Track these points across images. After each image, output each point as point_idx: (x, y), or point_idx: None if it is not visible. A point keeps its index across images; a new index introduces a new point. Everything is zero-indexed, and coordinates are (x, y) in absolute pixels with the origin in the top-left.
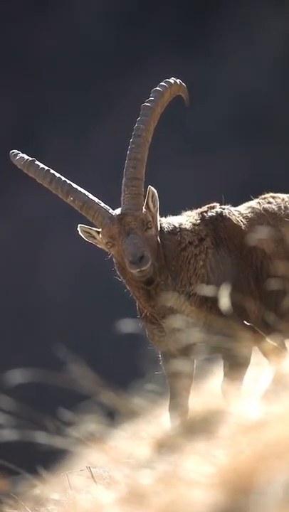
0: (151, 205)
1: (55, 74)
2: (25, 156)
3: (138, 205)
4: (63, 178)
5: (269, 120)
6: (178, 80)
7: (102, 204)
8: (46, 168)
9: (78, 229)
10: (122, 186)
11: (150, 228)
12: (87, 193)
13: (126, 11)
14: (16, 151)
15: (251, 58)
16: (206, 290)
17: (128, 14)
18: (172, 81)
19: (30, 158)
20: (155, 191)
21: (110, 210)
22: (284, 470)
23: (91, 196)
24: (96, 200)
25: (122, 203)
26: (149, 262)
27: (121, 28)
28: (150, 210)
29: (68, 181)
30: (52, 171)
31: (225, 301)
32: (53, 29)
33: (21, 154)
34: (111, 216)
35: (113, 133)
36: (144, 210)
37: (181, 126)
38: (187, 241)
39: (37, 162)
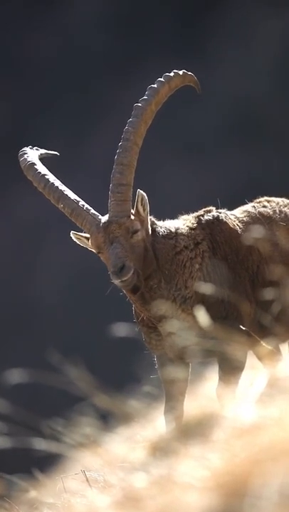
0: (140, 209)
1: (53, 75)
2: (28, 158)
3: (124, 211)
4: (57, 184)
5: (268, 122)
6: (181, 71)
7: (92, 211)
8: (43, 172)
9: (71, 235)
10: (109, 192)
11: (136, 234)
12: (78, 199)
13: (124, 12)
14: (25, 149)
15: (249, 59)
16: (203, 289)
17: (126, 16)
18: (172, 74)
19: (31, 161)
20: (144, 195)
21: (99, 217)
22: (279, 473)
23: (81, 203)
24: (86, 206)
25: (108, 209)
26: (130, 272)
27: (119, 30)
28: (140, 214)
29: (61, 187)
30: (48, 176)
31: (204, 320)
32: (50, 31)
33: (26, 156)
34: (97, 224)
35: (111, 134)
36: (132, 216)
37: (178, 128)
38: (182, 245)
39: (36, 166)
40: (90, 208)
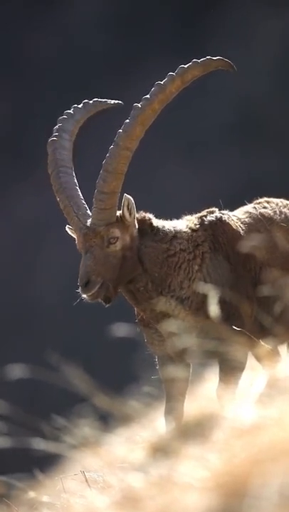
0: (126, 214)
1: (53, 75)
2: (57, 130)
3: (103, 220)
4: (62, 174)
5: (268, 122)
6: (201, 60)
7: (84, 211)
8: (58, 156)
9: (66, 229)
10: (93, 198)
11: (114, 245)
12: (77, 193)
13: (124, 12)
14: (73, 109)
15: (249, 59)
16: (203, 289)
17: (126, 16)
18: (188, 65)
19: (56, 136)
20: (131, 199)
21: (87, 218)
22: (278, 474)
23: (76, 200)
24: (77, 205)
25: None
26: (95, 288)
27: (119, 30)
28: (126, 219)
29: (64, 178)
30: (59, 161)
31: (214, 309)
32: (50, 31)
33: (59, 125)
34: (80, 228)
35: (111, 135)
36: (116, 222)
37: (178, 127)
38: (178, 248)
39: (57, 144)
40: (85, 207)
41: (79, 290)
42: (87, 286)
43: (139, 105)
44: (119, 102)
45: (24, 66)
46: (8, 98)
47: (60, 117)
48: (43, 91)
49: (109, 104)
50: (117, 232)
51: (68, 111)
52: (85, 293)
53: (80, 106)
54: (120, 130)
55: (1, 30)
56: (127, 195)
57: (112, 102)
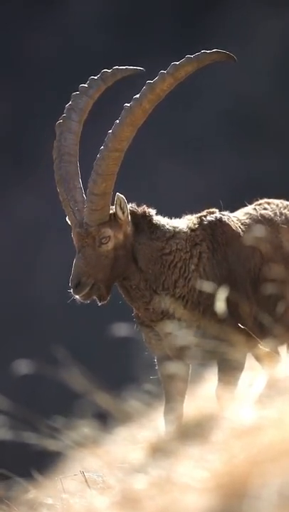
0: (119, 213)
1: (53, 75)
2: (67, 110)
3: (95, 220)
4: (64, 163)
5: (268, 122)
6: (194, 55)
7: (79, 207)
8: (63, 142)
9: (67, 219)
10: (85, 197)
11: (105, 245)
12: (75, 187)
13: (124, 12)
14: (82, 89)
15: (249, 59)
16: (200, 288)
17: (126, 16)
18: (180, 62)
19: (62, 118)
20: (123, 198)
21: (82, 215)
22: (278, 474)
23: (73, 194)
24: (76, 200)
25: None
26: (85, 290)
27: (119, 30)
28: (119, 218)
29: (66, 169)
30: (64, 148)
31: (220, 305)
32: (50, 31)
33: (69, 104)
34: (76, 224)
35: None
36: (109, 220)
37: (179, 127)
38: (174, 248)
39: (63, 128)
40: (83, 201)
41: (71, 291)
42: (77, 287)
43: (129, 106)
44: (141, 68)
45: (24, 66)
46: (8, 98)
47: (74, 93)
48: (43, 91)
49: (129, 71)
50: (108, 231)
51: (83, 85)
52: (76, 294)
53: (96, 77)
54: (109, 131)
55: (1, 30)
56: (120, 195)
57: (133, 68)
